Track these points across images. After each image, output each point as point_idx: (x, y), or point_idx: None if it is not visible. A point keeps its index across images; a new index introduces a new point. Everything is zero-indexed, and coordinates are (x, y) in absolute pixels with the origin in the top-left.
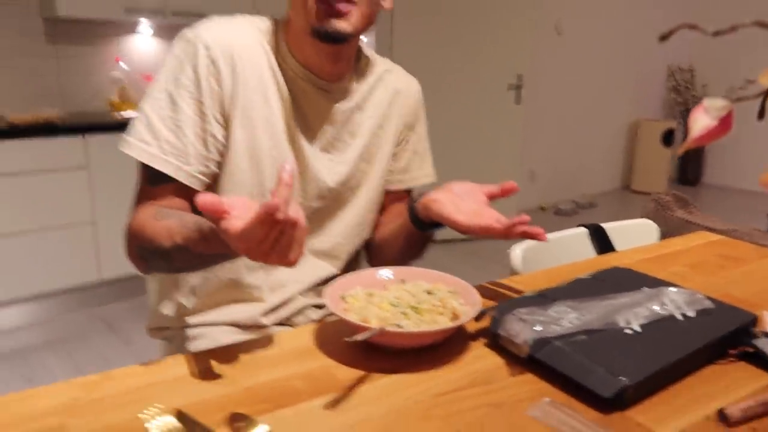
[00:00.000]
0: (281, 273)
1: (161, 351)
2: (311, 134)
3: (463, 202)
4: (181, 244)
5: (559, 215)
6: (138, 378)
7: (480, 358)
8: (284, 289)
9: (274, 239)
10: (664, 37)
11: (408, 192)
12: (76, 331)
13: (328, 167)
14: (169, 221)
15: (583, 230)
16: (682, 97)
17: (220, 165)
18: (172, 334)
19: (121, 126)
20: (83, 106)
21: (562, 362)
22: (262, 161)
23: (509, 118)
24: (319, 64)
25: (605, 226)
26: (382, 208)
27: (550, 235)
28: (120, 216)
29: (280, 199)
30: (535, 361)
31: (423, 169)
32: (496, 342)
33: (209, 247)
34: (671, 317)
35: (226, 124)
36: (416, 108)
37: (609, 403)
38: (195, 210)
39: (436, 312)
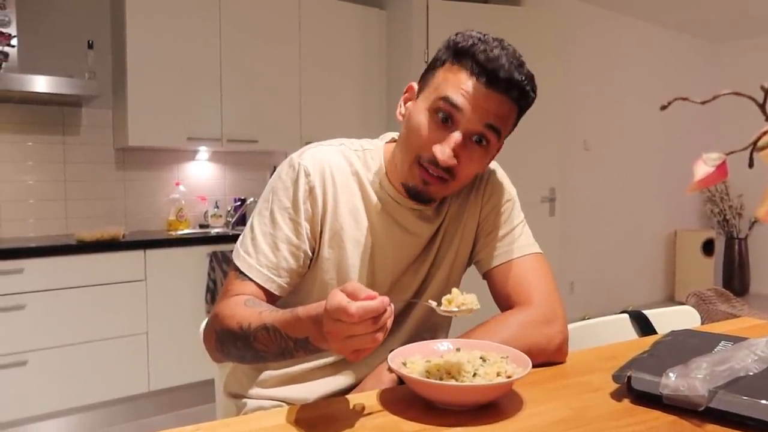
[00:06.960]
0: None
1: (227, 413)
2: (400, 252)
3: None
4: (269, 325)
5: None
6: None
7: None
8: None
9: (363, 334)
10: (663, 107)
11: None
12: None
13: (411, 280)
14: (260, 307)
15: (625, 316)
16: (719, 207)
17: (309, 275)
18: (243, 403)
19: (177, 242)
20: (144, 225)
21: (735, 406)
22: (349, 276)
23: (544, 230)
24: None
25: (647, 312)
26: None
27: (592, 320)
28: (171, 326)
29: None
30: (709, 412)
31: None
32: (654, 402)
33: (299, 329)
34: None
35: (317, 241)
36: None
37: None
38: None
39: (492, 374)
